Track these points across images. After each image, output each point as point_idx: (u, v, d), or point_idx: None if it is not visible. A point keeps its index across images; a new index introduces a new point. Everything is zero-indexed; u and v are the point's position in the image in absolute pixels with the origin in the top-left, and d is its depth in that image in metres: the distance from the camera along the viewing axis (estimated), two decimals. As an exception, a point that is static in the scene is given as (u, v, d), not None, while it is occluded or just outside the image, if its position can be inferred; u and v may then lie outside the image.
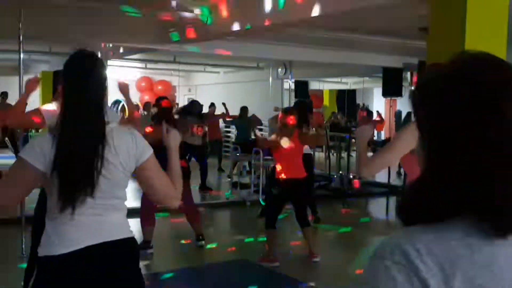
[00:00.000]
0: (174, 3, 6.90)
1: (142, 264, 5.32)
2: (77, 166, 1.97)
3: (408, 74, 11.69)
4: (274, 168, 5.96)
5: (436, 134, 0.88)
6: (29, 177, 2.00)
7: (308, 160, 6.74)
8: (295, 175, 5.56)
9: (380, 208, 9.32)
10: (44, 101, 13.37)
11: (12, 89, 13.43)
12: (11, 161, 8.65)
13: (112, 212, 2.09)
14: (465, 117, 0.84)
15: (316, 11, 5.55)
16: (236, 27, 6.70)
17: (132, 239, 2.17)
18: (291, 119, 5.53)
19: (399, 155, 2.61)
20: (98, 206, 2.03)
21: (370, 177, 10.69)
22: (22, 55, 6.09)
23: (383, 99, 20.43)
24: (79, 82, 2.04)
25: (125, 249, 2.13)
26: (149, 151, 2.16)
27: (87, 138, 2.00)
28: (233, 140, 13.68)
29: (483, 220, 0.80)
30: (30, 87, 4.10)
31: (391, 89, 10.98)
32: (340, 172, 10.60)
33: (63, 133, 1.99)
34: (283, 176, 5.53)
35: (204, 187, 9.65)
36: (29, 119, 3.84)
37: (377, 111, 16.96)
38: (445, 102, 0.86)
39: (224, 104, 12.52)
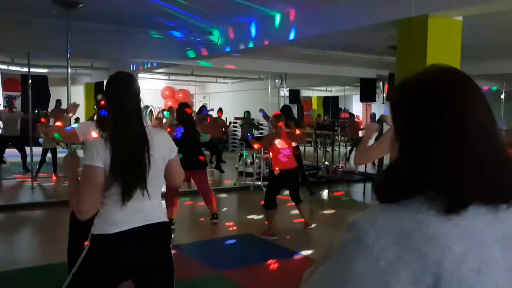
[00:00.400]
0: (191, 28, 6.90)
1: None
2: (130, 163, 1.98)
3: (381, 83, 11.67)
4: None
5: (404, 134, 0.87)
6: (100, 178, 1.94)
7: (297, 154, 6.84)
8: (288, 166, 5.57)
9: (358, 192, 9.33)
10: (87, 108, 13.40)
11: (63, 96, 13.46)
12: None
13: (154, 198, 2.09)
14: (427, 123, 0.83)
15: (308, 32, 5.55)
16: (241, 46, 6.70)
17: (167, 223, 2.17)
18: (281, 123, 5.60)
19: (385, 151, 2.61)
20: (140, 194, 2.02)
21: (358, 166, 10.70)
22: (69, 70, 6.06)
23: (360, 104, 20.39)
24: (122, 95, 2.05)
25: (162, 230, 2.13)
26: (176, 148, 2.21)
27: (134, 139, 2.01)
28: (239, 137, 13.68)
29: (438, 199, 0.79)
30: (71, 109, 4.14)
31: (367, 96, 10.95)
32: (326, 162, 10.58)
33: (115, 137, 1.99)
34: (277, 169, 5.56)
35: (218, 167, 9.91)
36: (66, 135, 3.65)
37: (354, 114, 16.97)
38: (411, 109, 0.86)
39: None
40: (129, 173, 1.97)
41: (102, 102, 3.33)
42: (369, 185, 8.96)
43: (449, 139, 0.81)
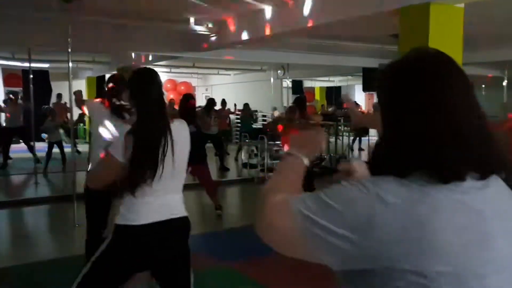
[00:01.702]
0: (192, 20, 6.89)
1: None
2: (149, 157, 2.03)
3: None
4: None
5: (388, 111, 0.91)
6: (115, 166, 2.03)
7: None
8: None
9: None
10: (89, 101, 13.42)
11: (64, 91, 13.49)
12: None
13: (177, 192, 2.16)
14: (408, 99, 0.86)
15: (309, 22, 5.53)
16: (244, 36, 6.68)
17: (187, 218, 2.22)
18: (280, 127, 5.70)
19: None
20: (163, 188, 2.07)
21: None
22: (70, 64, 6.07)
23: (363, 94, 20.35)
24: (146, 89, 2.10)
25: (184, 225, 2.18)
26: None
27: (156, 132, 2.05)
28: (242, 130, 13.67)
29: (432, 174, 0.83)
30: (78, 96, 4.19)
31: (370, 85, 10.94)
32: (330, 153, 10.59)
33: (138, 132, 2.04)
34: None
35: (223, 167, 9.73)
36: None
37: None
38: (393, 88, 0.90)
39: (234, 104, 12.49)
40: (145, 166, 2.01)
41: (110, 86, 3.40)
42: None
43: (430, 115, 0.84)
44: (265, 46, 9.07)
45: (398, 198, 0.80)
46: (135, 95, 2.12)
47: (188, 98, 5.77)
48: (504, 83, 10.49)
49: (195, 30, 7.04)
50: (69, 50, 5.82)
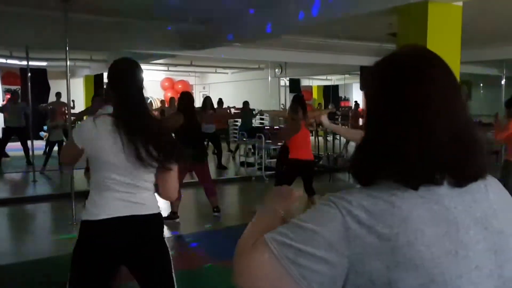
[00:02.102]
0: (190, 18, 6.88)
1: (170, 229, 5.38)
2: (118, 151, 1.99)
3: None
4: (282, 151, 5.87)
5: (370, 110, 0.87)
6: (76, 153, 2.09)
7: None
8: (307, 157, 5.57)
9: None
10: (87, 100, 13.39)
11: (62, 89, 13.43)
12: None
13: (145, 191, 2.08)
14: (377, 95, 0.84)
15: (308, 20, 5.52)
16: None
17: (158, 214, 2.13)
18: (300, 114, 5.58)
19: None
20: (130, 186, 2.03)
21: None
22: (68, 62, 6.04)
23: (360, 92, 20.36)
24: (124, 81, 2.05)
25: (151, 220, 2.10)
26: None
27: (133, 126, 2.00)
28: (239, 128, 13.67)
29: (400, 180, 0.79)
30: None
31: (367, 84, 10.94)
32: (327, 152, 10.60)
33: (115, 124, 2.00)
34: (300, 156, 5.49)
35: (220, 166, 9.71)
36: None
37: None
38: (374, 87, 0.87)
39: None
40: (108, 160, 1.98)
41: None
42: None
43: (395, 113, 0.80)
44: (263, 44, 9.07)
45: (366, 211, 0.77)
46: (113, 86, 2.06)
47: (186, 95, 5.69)
48: (503, 82, 10.51)
49: (193, 28, 7.04)
50: (67, 48, 5.77)
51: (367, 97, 0.89)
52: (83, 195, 6.31)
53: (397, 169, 0.80)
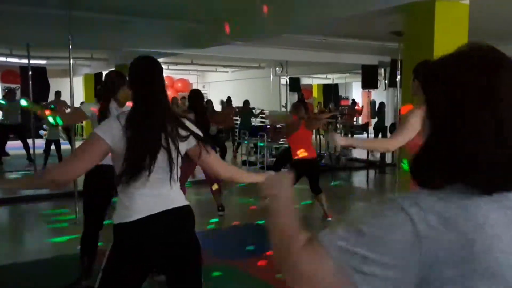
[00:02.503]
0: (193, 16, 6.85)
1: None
2: (143, 150, 1.94)
3: (382, 70, 11.65)
4: (285, 150, 5.91)
5: (437, 113, 0.82)
6: (97, 148, 1.93)
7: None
8: (310, 155, 5.58)
9: (361, 179, 9.35)
10: (86, 98, 13.33)
11: (61, 88, 13.37)
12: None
13: (172, 185, 2.04)
14: (468, 99, 0.78)
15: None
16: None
17: (188, 206, 2.10)
18: (295, 117, 5.72)
19: (410, 137, 2.54)
20: (159, 180, 1.99)
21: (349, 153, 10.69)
22: (72, 61, 6.00)
23: (360, 91, 20.37)
24: (146, 80, 2.02)
25: (183, 214, 2.07)
26: (194, 139, 2.10)
27: (152, 124, 1.96)
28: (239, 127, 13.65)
29: (473, 184, 0.76)
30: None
31: (369, 83, 10.91)
32: (329, 151, 10.58)
33: (133, 121, 1.95)
34: (302, 154, 5.47)
35: None
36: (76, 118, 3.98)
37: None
38: (450, 85, 0.81)
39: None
40: (137, 159, 1.93)
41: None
42: (372, 172, 8.99)
43: (481, 120, 0.76)
44: (264, 43, 9.04)
45: (439, 217, 0.73)
46: (134, 83, 2.03)
47: (197, 92, 5.63)
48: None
49: (196, 27, 7.01)
50: (70, 46, 5.73)
51: (431, 100, 0.83)
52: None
53: (472, 174, 0.76)
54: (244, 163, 9.60)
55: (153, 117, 1.97)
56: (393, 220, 0.75)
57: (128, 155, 1.91)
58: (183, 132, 2.02)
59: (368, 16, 5.45)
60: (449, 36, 4.35)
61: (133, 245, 1.97)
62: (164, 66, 9.91)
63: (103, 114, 3.23)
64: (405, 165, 3.72)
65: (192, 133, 2.05)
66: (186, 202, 2.10)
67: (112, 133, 1.92)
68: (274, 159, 9.26)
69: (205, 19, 7.04)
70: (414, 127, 2.54)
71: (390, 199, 0.79)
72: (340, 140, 2.65)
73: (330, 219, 5.77)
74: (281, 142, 9.04)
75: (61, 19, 5.73)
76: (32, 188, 1.94)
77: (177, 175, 2.07)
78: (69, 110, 12.09)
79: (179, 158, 2.05)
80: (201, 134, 2.11)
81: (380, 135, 11.31)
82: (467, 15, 4.48)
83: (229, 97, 13.13)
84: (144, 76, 2.03)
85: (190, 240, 2.07)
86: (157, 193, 1.98)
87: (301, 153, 5.46)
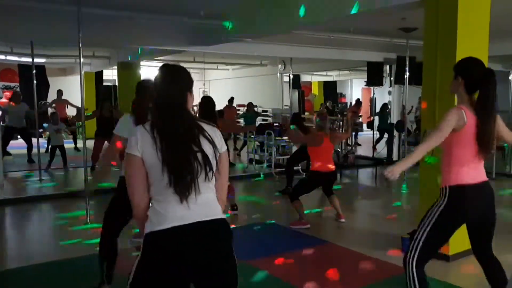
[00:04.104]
0: (202, 13, 6.74)
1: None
2: (179, 157, 1.87)
3: (387, 67, 11.59)
4: (299, 150, 5.94)
5: None
6: (139, 166, 1.89)
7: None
8: (328, 169, 5.64)
9: (369, 177, 9.31)
10: (86, 97, 13.14)
11: (59, 87, 13.22)
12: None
13: (208, 193, 1.97)
14: None
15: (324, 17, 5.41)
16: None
17: (225, 220, 2.01)
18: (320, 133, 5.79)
19: (446, 134, 2.62)
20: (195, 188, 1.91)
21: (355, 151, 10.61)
22: (82, 60, 5.94)
23: (359, 88, 20.33)
24: (165, 87, 1.96)
25: (220, 227, 1.97)
26: (225, 145, 2.08)
27: (181, 133, 1.90)
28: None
29: None
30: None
31: (374, 80, 10.87)
32: (337, 149, 10.52)
33: (160, 130, 1.89)
34: (321, 168, 5.61)
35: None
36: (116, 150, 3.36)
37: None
38: None
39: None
40: (179, 167, 1.86)
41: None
42: (380, 170, 8.95)
43: None
44: (267, 40, 8.92)
45: None
46: (155, 93, 1.98)
47: (209, 100, 5.52)
48: (510, 77, 10.51)
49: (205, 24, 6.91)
50: (80, 44, 5.62)
51: None
52: (94, 194, 6.24)
53: None
54: (251, 161, 9.52)
55: (180, 122, 1.93)
56: None
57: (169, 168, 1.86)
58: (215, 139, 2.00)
59: (383, 12, 5.36)
60: (471, 30, 4.28)
61: (163, 255, 1.85)
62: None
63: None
64: (429, 159, 3.69)
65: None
66: (222, 215, 2.00)
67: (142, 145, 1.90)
68: (281, 157, 9.21)
69: (211, 15, 6.94)
70: (450, 124, 2.62)
71: None
72: (398, 171, 2.53)
73: (343, 220, 5.72)
74: (284, 138, 8.98)
75: (70, 16, 5.61)
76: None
77: (213, 183, 1.99)
78: (70, 107, 12.00)
79: (214, 163, 1.98)
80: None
81: (386, 135, 11.27)
82: (488, 8, 4.41)
83: (232, 98, 13.07)
84: (157, 85, 1.98)
85: (226, 259, 1.95)
86: (190, 202, 1.89)
87: (320, 167, 5.60)
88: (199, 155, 1.90)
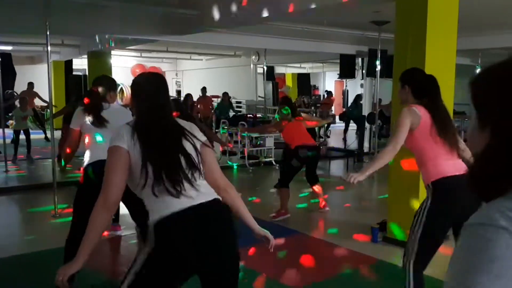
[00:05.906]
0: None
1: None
2: (165, 154, 1.93)
3: (360, 60, 11.74)
4: (287, 144, 5.90)
5: (496, 118, 0.81)
6: (125, 160, 1.89)
7: None
8: (310, 142, 5.62)
9: (340, 168, 9.45)
10: (54, 87, 12.85)
11: (27, 75, 12.85)
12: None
13: (200, 184, 2.00)
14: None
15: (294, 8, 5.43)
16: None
17: (219, 199, 2.03)
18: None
19: (406, 130, 2.72)
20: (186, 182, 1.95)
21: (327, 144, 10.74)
22: (49, 48, 5.76)
23: (332, 81, 20.54)
24: (139, 95, 2.07)
25: (219, 206, 2.01)
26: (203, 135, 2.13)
27: (165, 131, 1.98)
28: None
29: None
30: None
31: (346, 72, 11.00)
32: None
33: (145, 130, 1.95)
34: (303, 142, 5.51)
35: None
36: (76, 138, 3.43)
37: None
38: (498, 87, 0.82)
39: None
40: (168, 165, 1.91)
41: (94, 89, 3.39)
42: (351, 161, 9.10)
43: None
44: (240, 30, 8.89)
45: None
46: (138, 101, 2.06)
47: (188, 98, 5.46)
48: (477, 72, 10.78)
49: (179, 13, 6.82)
50: (48, 32, 5.47)
51: (486, 104, 0.84)
52: (62, 186, 6.12)
53: None
54: (224, 153, 9.50)
55: (166, 123, 2.02)
56: (490, 236, 0.73)
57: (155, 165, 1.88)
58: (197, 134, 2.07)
59: (355, 4, 5.42)
60: (440, 26, 4.38)
61: (176, 239, 1.86)
62: (136, 54, 9.83)
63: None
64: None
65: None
66: (216, 195, 2.03)
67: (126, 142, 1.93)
68: (255, 148, 9.24)
69: (185, 5, 6.85)
70: (407, 126, 2.74)
71: (472, 225, 0.77)
72: (359, 177, 2.68)
73: (327, 208, 5.83)
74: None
75: (37, 1, 5.44)
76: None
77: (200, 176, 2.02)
78: (39, 101, 11.69)
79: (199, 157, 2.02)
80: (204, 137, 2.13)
81: (356, 125, 11.46)
82: (457, 4, 4.51)
83: (204, 87, 12.97)
84: (140, 92, 2.08)
85: (231, 248, 2.00)
86: (187, 194, 1.91)
87: (299, 141, 5.52)
88: (184, 152, 1.95)
